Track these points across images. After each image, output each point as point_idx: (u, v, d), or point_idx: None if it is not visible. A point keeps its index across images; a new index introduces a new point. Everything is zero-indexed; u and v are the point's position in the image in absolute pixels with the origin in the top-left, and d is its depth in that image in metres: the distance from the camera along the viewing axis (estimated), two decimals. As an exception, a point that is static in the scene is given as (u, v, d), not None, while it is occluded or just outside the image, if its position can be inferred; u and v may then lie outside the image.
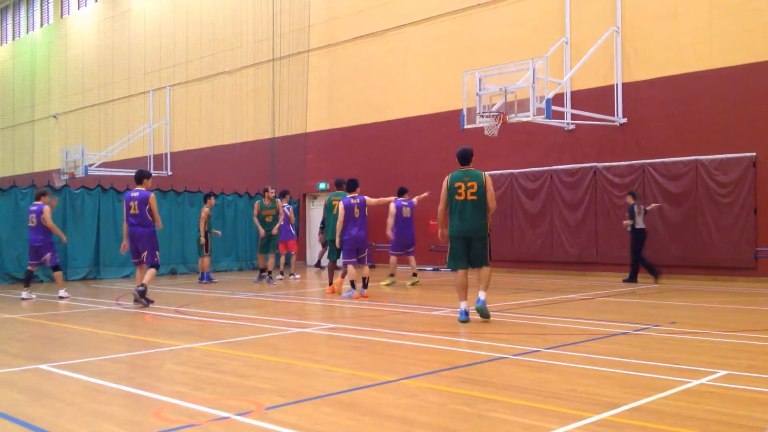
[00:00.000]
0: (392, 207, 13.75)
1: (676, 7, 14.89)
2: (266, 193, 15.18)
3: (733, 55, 14.15)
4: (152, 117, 27.78)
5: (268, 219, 15.06)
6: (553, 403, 4.56)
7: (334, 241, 12.12)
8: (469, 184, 8.47)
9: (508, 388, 5.04)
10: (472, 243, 8.50)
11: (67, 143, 29.71)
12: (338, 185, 13.32)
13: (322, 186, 21.50)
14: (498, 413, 4.38)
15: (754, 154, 13.78)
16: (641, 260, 13.81)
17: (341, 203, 11.90)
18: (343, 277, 12.28)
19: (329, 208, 12.96)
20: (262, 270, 15.34)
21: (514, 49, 16.69)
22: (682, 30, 14.80)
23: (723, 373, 5.40)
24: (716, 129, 14.31)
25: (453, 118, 16.67)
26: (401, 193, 14.38)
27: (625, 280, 14.03)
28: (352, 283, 11.80)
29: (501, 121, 13.76)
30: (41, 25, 36.63)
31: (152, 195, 10.93)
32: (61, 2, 34.99)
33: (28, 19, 37.82)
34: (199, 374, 5.75)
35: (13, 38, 39.17)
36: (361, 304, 10.77)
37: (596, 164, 15.84)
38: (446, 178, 8.76)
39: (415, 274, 14.20)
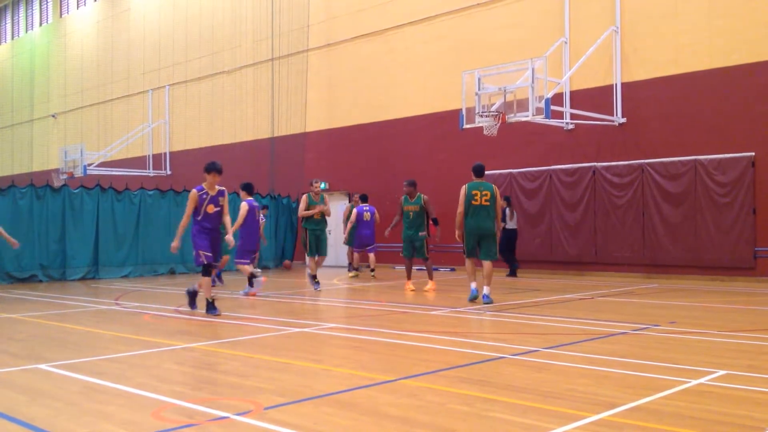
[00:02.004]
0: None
1: (676, 7, 14.90)
2: (313, 187, 13.17)
3: (733, 54, 14.15)
4: (151, 116, 27.78)
5: (317, 217, 12.91)
6: (552, 403, 4.56)
7: (421, 240, 12.79)
8: (483, 193, 10.37)
9: (508, 387, 5.04)
10: (482, 239, 10.39)
11: (66, 143, 29.73)
12: (411, 185, 13.04)
13: (321, 186, 21.46)
14: (497, 413, 4.38)
15: (753, 154, 13.79)
16: (509, 255, 15.80)
17: (245, 204, 12.56)
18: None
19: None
20: (314, 275, 13.20)
21: (514, 49, 16.69)
22: (682, 30, 14.80)
23: (722, 372, 5.40)
24: (715, 129, 14.32)
25: (452, 117, 16.68)
26: (364, 199, 16.63)
27: (508, 275, 15.80)
28: (251, 281, 12.34)
29: (500, 121, 13.77)
30: (40, 24, 36.62)
31: (190, 192, 9.64)
32: (61, 1, 34.98)
33: (27, 19, 37.80)
34: (198, 374, 5.74)
35: (12, 37, 39.15)
36: (360, 304, 10.76)
37: (595, 164, 15.85)
38: (464, 186, 10.52)
39: (372, 270, 16.27)
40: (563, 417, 4.22)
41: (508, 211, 15.70)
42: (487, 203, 10.31)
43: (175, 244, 9.68)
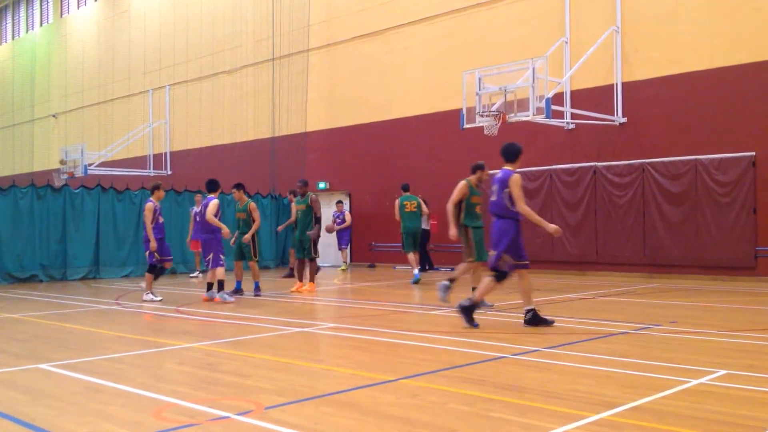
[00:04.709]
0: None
1: (676, 7, 14.89)
2: (482, 173, 10.06)
3: (733, 54, 14.14)
4: (152, 116, 27.77)
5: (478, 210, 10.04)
6: (553, 403, 4.56)
7: (308, 240, 12.59)
8: (411, 203, 14.50)
9: (508, 387, 5.05)
10: (415, 236, 14.37)
11: (67, 142, 29.70)
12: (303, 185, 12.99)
13: (322, 185, 21.50)
14: (498, 413, 4.38)
15: (754, 153, 13.77)
16: (425, 253, 17.57)
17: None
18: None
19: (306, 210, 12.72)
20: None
21: (514, 49, 16.68)
22: (682, 30, 14.79)
23: (723, 372, 5.40)
24: (716, 128, 14.31)
25: (453, 117, 16.67)
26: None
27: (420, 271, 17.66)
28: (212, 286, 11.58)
29: (501, 121, 13.76)
30: (41, 24, 36.63)
31: (513, 177, 7.93)
32: (61, 2, 34.99)
33: (27, 19, 37.81)
34: (199, 374, 5.75)
35: (13, 38, 39.16)
36: (360, 304, 10.76)
37: (596, 164, 15.84)
38: (397, 200, 14.62)
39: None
40: (564, 417, 4.23)
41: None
42: (415, 209, 14.41)
43: (554, 230, 8.04)
